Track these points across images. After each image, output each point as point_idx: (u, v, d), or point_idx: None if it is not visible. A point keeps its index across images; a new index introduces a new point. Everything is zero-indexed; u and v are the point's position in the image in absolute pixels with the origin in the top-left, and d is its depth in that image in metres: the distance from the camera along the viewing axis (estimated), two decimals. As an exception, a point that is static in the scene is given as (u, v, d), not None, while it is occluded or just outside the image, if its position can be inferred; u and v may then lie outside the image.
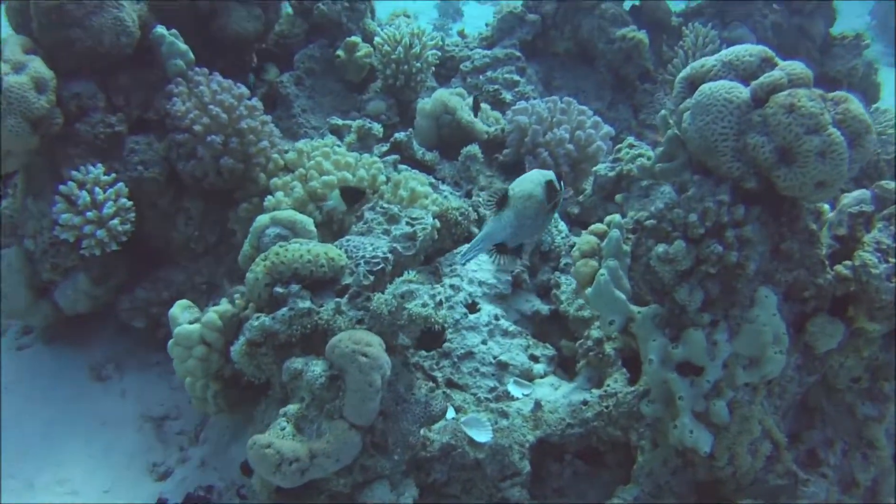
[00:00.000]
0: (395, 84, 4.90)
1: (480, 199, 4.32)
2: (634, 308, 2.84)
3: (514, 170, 4.39)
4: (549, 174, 2.58)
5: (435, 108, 4.55)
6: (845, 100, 2.56)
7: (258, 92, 4.93)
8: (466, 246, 3.13)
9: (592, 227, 3.16)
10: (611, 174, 4.07)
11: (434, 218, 3.58)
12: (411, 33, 4.84)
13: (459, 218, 3.99)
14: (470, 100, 4.77)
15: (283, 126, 4.88)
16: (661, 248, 2.62)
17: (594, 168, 4.15)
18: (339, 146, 3.95)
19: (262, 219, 3.37)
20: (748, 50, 2.66)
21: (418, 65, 4.83)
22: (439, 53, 4.97)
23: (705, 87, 2.61)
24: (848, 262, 2.81)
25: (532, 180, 2.55)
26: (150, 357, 4.28)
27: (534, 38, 5.67)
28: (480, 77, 5.30)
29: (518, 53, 5.46)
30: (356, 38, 4.99)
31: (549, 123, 4.46)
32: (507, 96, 5.14)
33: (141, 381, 4.19)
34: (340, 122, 4.43)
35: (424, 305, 2.93)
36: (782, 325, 2.65)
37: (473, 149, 4.45)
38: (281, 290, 3.02)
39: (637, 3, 6.07)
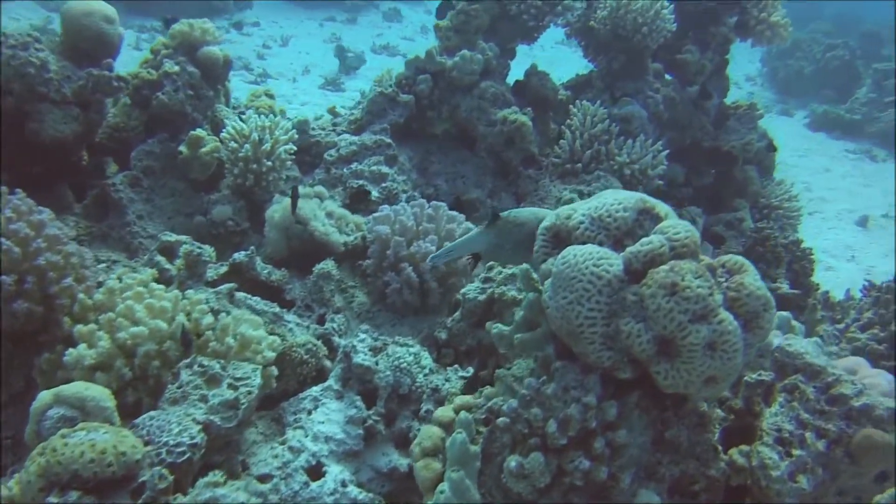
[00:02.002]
0: (245, 184, 4.28)
1: (334, 326, 3.76)
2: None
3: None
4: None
5: (284, 218, 3.96)
6: (740, 268, 2.06)
7: (90, 195, 4.26)
8: (443, 248, 3.07)
9: (438, 412, 2.60)
10: (480, 298, 3.52)
11: (269, 366, 3.02)
12: (261, 127, 4.24)
13: (305, 356, 3.44)
14: (328, 203, 4.19)
15: (116, 236, 4.22)
16: (513, 461, 2.07)
17: (462, 291, 3.60)
18: (155, 284, 3.29)
19: (44, 396, 2.71)
20: (622, 202, 2.14)
21: (269, 163, 4.23)
22: (294, 148, 4.37)
23: (569, 255, 2.07)
24: (745, 448, 2.32)
25: (533, 213, 2.60)
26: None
27: (408, 120, 5.13)
28: (345, 169, 4.71)
29: (388, 140, 4.90)
30: (201, 132, 4.37)
31: (414, 233, 3.91)
32: (374, 192, 4.57)
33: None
34: (173, 238, 3.78)
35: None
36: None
37: (327, 266, 3.87)
38: (55, 502, 2.37)
39: (521, 79, 5.59)
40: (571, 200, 4.78)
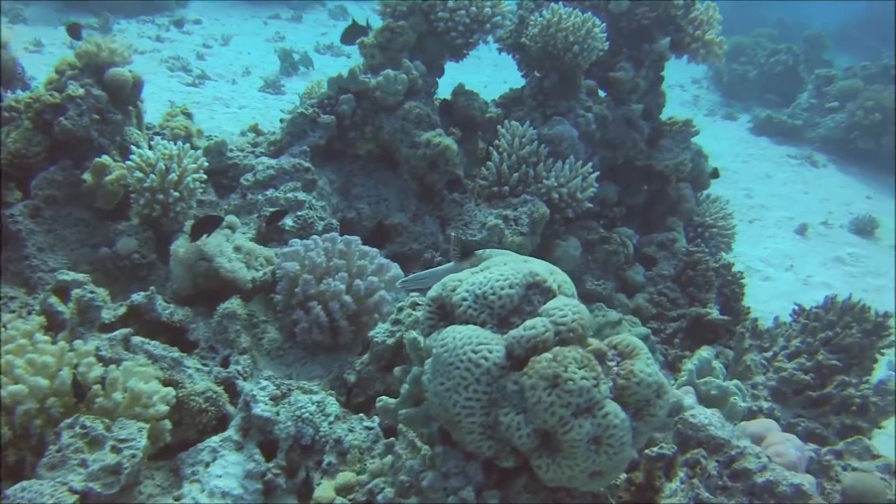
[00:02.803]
0: (152, 214, 4.08)
1: (238, 369, 3.59)
2: None
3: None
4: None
5: (188, 255, 3.77)
6: (631, 352, 1.93)
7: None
8: (414, 274, 3.07)
9: (319, 491, 2.45)
10: (389, 341, 3.38)
11: (162, 420, 2.85)
12: (168, 156, 4.03)
13: (204, 405, 3.28)
14: (237, 236, 4.01)
15: (14, 270, 3.99)
16: (391, 561, 1.93)
17: (371, 333, 3.45)
18: (41, 336, 3.09)
19: None
20: (507, 278, 1.99)
21: (177, 193, 4.03)
22: (204, 177, 4.16)
23: (448, 338, 1.93)
24: (647, 529, 2.20)
25: (504, 254, 2.48)
26: None
27: (330, 141, 4.95)
28: (260, 196, 4.52)
29: (307, 164, 4.71)
30: (105, 159, 4.15)
31: (324, 269, 3.75)
32: (289, 222, 4.39)
33: None
34: (69, 277, 3.57)
35: None
36: None
37: (233, 305, 3.70)
38: None
39: (448, 98, 5.44)
40: (496, 226, 4.66)
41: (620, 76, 5.79)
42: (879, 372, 4.60)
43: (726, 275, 5.24)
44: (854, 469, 3.62)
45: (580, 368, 1.81)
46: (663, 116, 6.31)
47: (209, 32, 14.28)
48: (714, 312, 5.04)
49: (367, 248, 3.88)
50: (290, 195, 4.50)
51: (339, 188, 4.96)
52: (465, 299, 2.01)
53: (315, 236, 3.94)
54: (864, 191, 11.87)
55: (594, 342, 1.91)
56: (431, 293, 2.17)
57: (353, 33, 5.16)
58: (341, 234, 4.74)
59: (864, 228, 10.24)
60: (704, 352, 3.66)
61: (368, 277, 3.73)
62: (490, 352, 1.88)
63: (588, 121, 5.52)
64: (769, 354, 4.55)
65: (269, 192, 4.52)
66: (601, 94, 5.95)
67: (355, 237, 3.89)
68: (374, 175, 5.07)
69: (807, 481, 2.27)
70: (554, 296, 2.04)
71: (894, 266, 9.32)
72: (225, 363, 3.65)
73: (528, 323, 1.89)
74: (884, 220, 10.46)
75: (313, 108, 4.96)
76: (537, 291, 2.03)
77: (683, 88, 15.83)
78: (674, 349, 4.94)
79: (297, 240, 3.94)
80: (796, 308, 4.84)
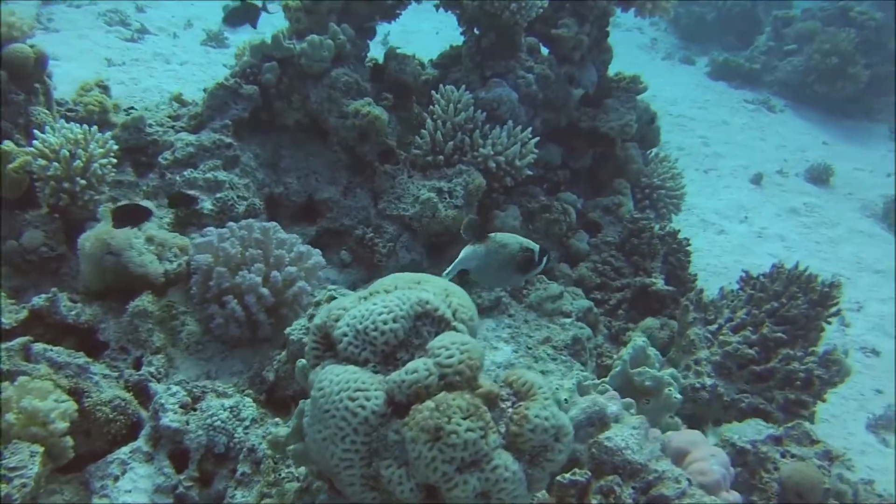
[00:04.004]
0: (59, 203, 3.83)
1: (151, 370, 3.40)
2: None
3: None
4: (534, 247, 2.82)
5: (94, 249, 3.54)
6: (527, 392, 1.76)
7: None
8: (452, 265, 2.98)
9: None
10: (305, 339, 3.19)
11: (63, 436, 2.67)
12: (72, 140, 3.77)
13: (112, 414, 3.10)
14: (149, 225, 3.78)
15: None
16: None
17: (287, 330, 3.27)
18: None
19: None
20: (392, 310, 1.80)
21: (84, 182, 3.78)
22: (114, 161, 3.90)
23: (325, 381, 1.75)
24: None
25: (515, 239, 2.81)
26: None
27: (256, 112, 4.69)
28: (178, 177, 4.27)
29: (228, 140, 4.46)
30: (8, 145, 3.87)
31: (239, 260, 3.55)
32: (207, 205, 4.15)
33: None
34: (-38, 277, 3.35)
35: None
36: None
37: (143, 303, 3.50)
38: None
39: (380, 62, 5.19)
40: (429, 200, 4.47)
41: (562, 33, 5.53)
42: (825, 342, 4.51)
43: (672, 242, 5.09)
44: (793, 456, 3.54)
45: (466, 418, 1.64)
46: (620, 67, 6.10)
47: (150, -19, 13.72)
48: (659, 282, 4.90)
49: (285, 235, 3.68)
50: (209, 175, 4.26)
51: (266, 162, 4.72)
52: (345, 335, 1.82)
53: (231, 223, 3.72)
54: (820, 136, 11.76)
55: (485, 383, 1.74)
56: (317, 320, 1.99)
57: (240, 14, 4.89)
58: (268, 212, 4.56)
59: (819, 177, 10.14)
60: (639, 339, 3.54)
61: (286, 268, 3.53)
62: (368, 399, 1.70)
63: (529, 82, 5.28)
64: (714, 327, 4.43)
65: (188, 173, 4.27)
66: (544, 51, 5.71)
67: (272, 224, 3.68)
68: (304, 147, 4.83)
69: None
70: (447, 324, 1.86)
71: (847, 216, 9.29)
72: (137, 365, 3.46)
73: (411, 366, 1.71)
74: (839, 167, 10.37)
75: (235, 77, 4.69)
76: (427, 321, 1.85)
77: (641, 31, 15.52)
78: (618, 321, 4.80)
79: (211, 228, 3.72)
80: (744, 275, 4.72)
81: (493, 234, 2.81)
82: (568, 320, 4.45)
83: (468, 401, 1.67)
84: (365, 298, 1.91)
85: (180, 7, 12.86)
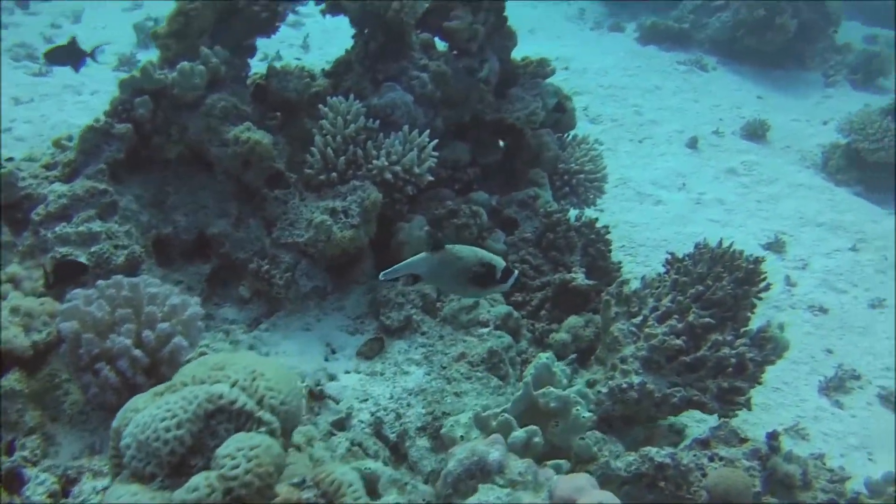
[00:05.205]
0: (-87, 277, 3.55)
1: (25, 454, 3.14)
2: None
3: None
4: (500, 263, 2.97)
5: (-52, 328, 3.27)
6: (336, 492, 1.54)
7: None
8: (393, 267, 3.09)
9: None
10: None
11: None
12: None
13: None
14: (13, 295, 3.50)
15: None
16: None
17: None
18: None
19: None
20: (176, 414, 1.58)
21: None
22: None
23: (98, 508, 1.51)
24: None
25: (474, 252, 2.96)
26: None
27: (132, 151, 4.41)
28: (49, 234, 3.99)
29: (103, 186, 4.18)
30: None
31: (108, 322, 3.29)
32: (84, 259, 3.88)
33: None
34: None
35: None
36: None
37: (9, 382, 3.25)
38: None
39: (260, 81, 4.92)
40: (322, 223, 4.24)
41: (455, 25, 5.28)
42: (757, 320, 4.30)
43: (589, 233, 4.88)
44: (721, 458, 3.36)
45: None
46: (547, 41, 5.90)
47: (58, 9, 13.26)
48: (580, 277, 4.68)
49: (156, 289, 3.42)
50: (82, 228, 3.99)
51: (150, 201, 4.45)
52: (128, 447, 1.60)
53: (100, 282, 3.46)
54: (754, 90, 11.63)
55: (283, 490, 1.51)
56: (115, 423, 1.74)
57: (61, 54, 4.62)
58: (158, 255, 4.30)
59: (755, 132, 9.99)
60: (542, 357, 3.32)
61: (159, 325, 3.28)
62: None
63: (424, 81, 5.04)
64: (638, 320, 4.22)
65: (60, 228, 3.99)
66: (441, 46, 5.47)
67: (142, 278, 3.44)
68: (190, 180, 4.57)
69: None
70: (249, 417, 1.63)
71: (786, 170, 9.14)
72: (9, 450, 3.19)
73: (192, 482, 1.48)
74: (775, 120, 10.23)
75: (106, 117, 4.40)
76: (223, 418, 1.62)
77: (569, 2, 15.31)
78: (541, 322, 4.59)
79: (78, 291, 3.44)
80: (669, 257, 4.51)
81: (451, 245, 2.97)
82: (485, 330, 4.23)
83: (256, 517, 1.43)
84: (160, 395, 1.67)
85: (90, 32, 12.48)
